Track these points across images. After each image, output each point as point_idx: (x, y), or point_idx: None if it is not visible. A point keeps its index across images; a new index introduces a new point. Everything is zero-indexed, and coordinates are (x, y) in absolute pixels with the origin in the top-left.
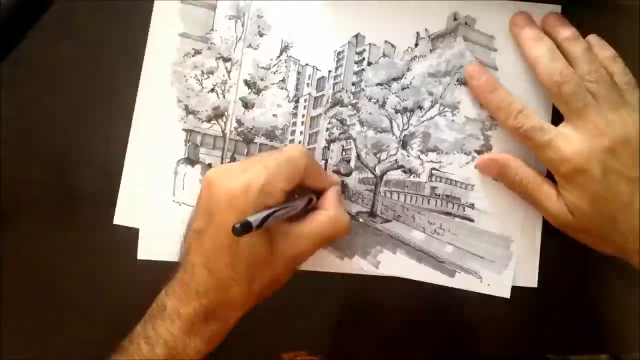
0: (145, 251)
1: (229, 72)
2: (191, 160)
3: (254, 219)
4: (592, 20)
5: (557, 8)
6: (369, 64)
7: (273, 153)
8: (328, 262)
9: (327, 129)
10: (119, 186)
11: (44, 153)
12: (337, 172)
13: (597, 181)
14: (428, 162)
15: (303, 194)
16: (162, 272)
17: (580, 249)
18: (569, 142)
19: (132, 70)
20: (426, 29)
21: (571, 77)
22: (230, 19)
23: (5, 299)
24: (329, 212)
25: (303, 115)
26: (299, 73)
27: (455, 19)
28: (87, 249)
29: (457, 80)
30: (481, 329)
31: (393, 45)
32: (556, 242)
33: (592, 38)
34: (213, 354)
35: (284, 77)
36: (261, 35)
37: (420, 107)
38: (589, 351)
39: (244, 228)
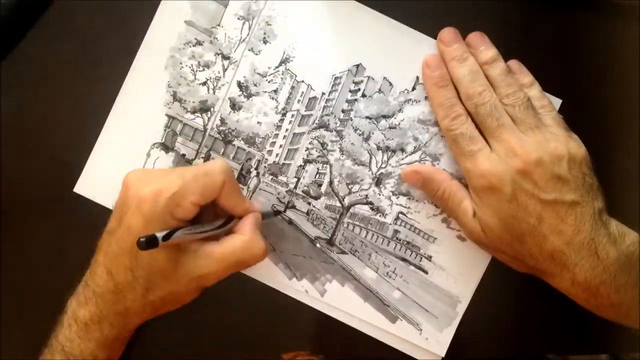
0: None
1: (225, 70)
2: (166, 147)
3: (161, 235)
4: (592, 20)
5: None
6: (363, 95)
7: (195, 166)
8: (276, 280)
9: (307, 149)
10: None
11: (44, 153)
12: (307, 193)
13: (507, 200)
14: (397, 204)
15: (223, 216)
16: None
17: None
18: (488, 158)
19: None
20: None
21: (488, 99)
22: (239, 19)
23: (5, 299)
24: (244, 237)
25: (287, 130)
26: (292, 87)
27: None
28: (87, 249)
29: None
30: (481, 329)
31: (391, 84)
32: None
33: (514, 64)
34: (214, 354)
35: (277, 88)
36: (265, 42)
37: (403, 150)
38: (589, 351)
39: (149, 243)
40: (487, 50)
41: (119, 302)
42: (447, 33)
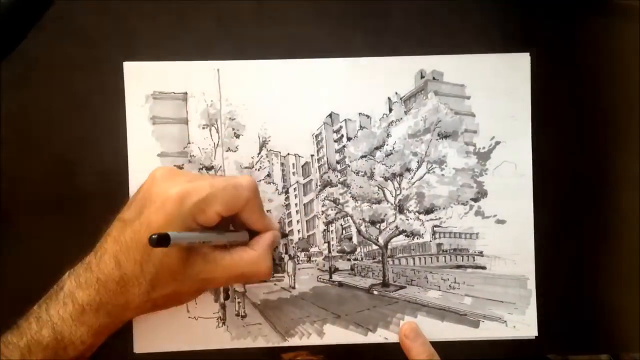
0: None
1: None
2: None
3: (175, 236)
4: (592, 20)
5: (525, 56)
6: (349, 139)
7: (225, 177)
8: (353, 341)
9: (322, 212)
10: (118, 185)
11: (44, 153)
12: (342, 251)
13: None
14: (428, 221)
15: (239, 229)
16: None
17: (580, 249)
18: None
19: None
20: (396, 93)
21: None
22: (204, 128)
23: (5, 299)
24: (254, 252)
25: (296, 204)
26: (282, 164)
27: (422, 77)
28: (87, 249)
29: (438, 135)
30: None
31: (368, 116)
32: (555, 243)
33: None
34: (215, 352)
35: (269, 172)
36: (237, 136)
37: (408, 170)
38: (589, 351)
39: (161, 241)
40: (424, 346)
41: (121, 294)
42: (410, 328)
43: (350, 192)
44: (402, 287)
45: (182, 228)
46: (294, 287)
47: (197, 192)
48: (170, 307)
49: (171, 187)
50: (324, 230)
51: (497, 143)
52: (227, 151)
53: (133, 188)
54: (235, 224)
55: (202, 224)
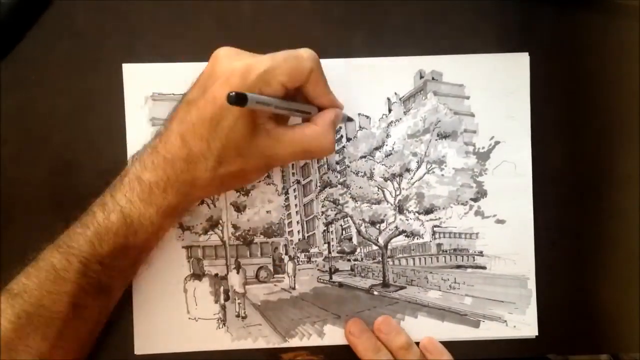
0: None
1: None
2: (197, 275)
3: (251, 96)
4: (592, 20)
5: (525, 56)
6: (348, 139)
7: (285, 50)
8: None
9: (322, 212)
10: None
11: (44, 153)
12: (342, 252)
13: None
14: (428, 221)
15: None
16: None
17: (580, 249)
18: None
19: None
20: (396, 93)
21: None
22: None
23: None
24: (317, 127)
25: (296, 205)
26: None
27: (421, 77)
28: None
29: (438, 135)
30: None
31: (367, 117)
32: (555, 243)
33: (427, 343)
34: (216, 353)
35: (268, 173)
36: None
37: (408, 170)
38: (589, 351)
39: (239, 99)
40: (399, 336)
41: (188, 172)
42: (354, 325)
43: (350, 193)
44: (402, 288)
45: None
46: (294, 288)
47: (260, 65)
48: (237, 187)
49: (234, 61)
50: (324, 230)
51: (497, 143)
52: None
53: None
54: (299, 101)
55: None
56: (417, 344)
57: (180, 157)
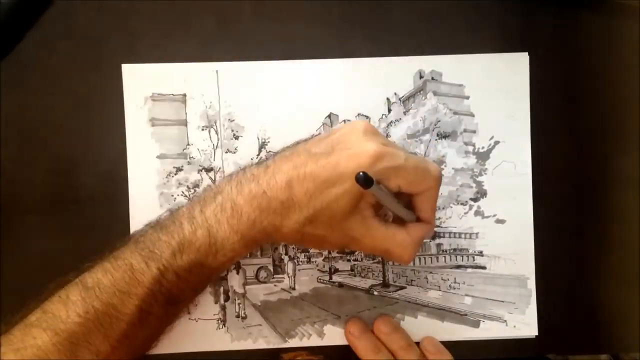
0: None
1: (213, 181)
2: None
3: (375, 185)
4: (592, 20)
5: (524, 56)
6: None
7: (419, 156)
8: None
9: None
10: (118, 186)
11: (44, 153)
12: (342, 252)
13: None
14: None
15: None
16: None
17: (580, 249)
18: None
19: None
20: (395, 93)
21: None
22: (203, 129)
23: (5, 299)
24: (408, 237)
25: None
26: None
27: (421, 77)
28: (86, 249)
29: (437, 135)
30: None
31: (367, 117)
32: (555, 243)
33: (428, 343)
34: (216, 354)
35: None
36: (237, 137)
37: None
38: (589, 351)
39: (366, 181)
40: (400, 336)
41: (280, 215)
42: (355, 325)
43: None
44: (402, 288)
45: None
46: (294, 288)
47: (392, 158)
48: (309, 247)
49: (370, 142)
50: None
51: (497, 143)
52: (226, 152)
53: (133, 189)
54: (402, 200)
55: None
56: (418, 343)
57: (279, 198)
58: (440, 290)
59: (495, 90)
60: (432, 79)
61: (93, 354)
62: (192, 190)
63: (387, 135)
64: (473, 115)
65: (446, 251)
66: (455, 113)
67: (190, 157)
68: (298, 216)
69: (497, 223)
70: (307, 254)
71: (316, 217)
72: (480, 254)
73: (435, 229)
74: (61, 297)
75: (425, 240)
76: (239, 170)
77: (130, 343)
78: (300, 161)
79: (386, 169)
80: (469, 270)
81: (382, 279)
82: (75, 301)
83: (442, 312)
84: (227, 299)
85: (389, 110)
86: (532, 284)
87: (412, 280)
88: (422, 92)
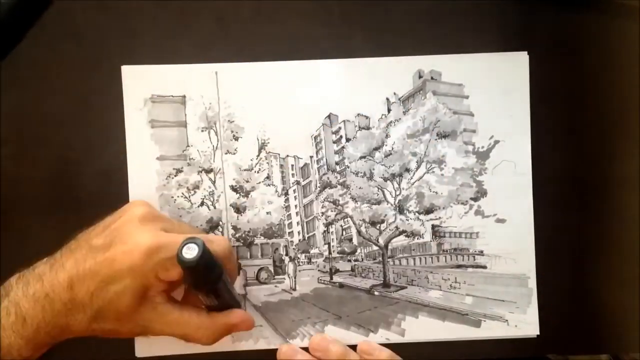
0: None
1: (213, 182)
2: None
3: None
4: (592, 20)
5: (524, 55)
6: (348, 140)
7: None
8: (353, 339)
9: (322, 213)
10: (118, 186)
11: (44, 153)
12: (342, 252)
13: None
14: (428, 221)
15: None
16: None
17: (580, 248)
18: None
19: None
20: (395, 93)
21: None
22: (202, 131)
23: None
24: (209, 320)
25: (296, 206)
26: (281, 166)
27: (420, 77)
28: None
29: (437, 135)
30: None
31: (366, 117)
32: (555, 242)
33: (363, 345)
34: (217, 355)
35: (268, 174)
36: (236, 139)
37: (408, 170)
38: (589, 351)
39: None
40: (334, 347)
41: (65, 317)
42: (286, 351)
43: (349, 193)
44: (402, 288)
45: (142, 280)
46: (294, 289)
47: (167, 249)
48: (109, 338)
49: (145, 234)
50: (324, 231)
51: (496, 142)
52: (226, 153)
53: (132, 190)
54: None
55: (162, 279)
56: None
57: (62, 300)
58: (441, 290)
59: (495, 90)
60: (432, 78)
61: None
62: (192, 192)
63: (387, 136)
64: (473, 115)
65: (447, 251)
66: (455, 112)
67: (190, 159)
68: (82, 316)
69: (498, 222)
70: (308, 254)
71: (101, 315)
72: (481, 253)
73: (437, 229)
74: None
75: (425, 240)
76: (29, 269)
77: None
78: (80, 256)
79: (161, 261)
80: (470, 269)
81: (382, 279)
82: None
83: (443, 312)
84: None
85: (389, 110)
86: (532, 283)
87: (412, 280)
88: (421, 91)
